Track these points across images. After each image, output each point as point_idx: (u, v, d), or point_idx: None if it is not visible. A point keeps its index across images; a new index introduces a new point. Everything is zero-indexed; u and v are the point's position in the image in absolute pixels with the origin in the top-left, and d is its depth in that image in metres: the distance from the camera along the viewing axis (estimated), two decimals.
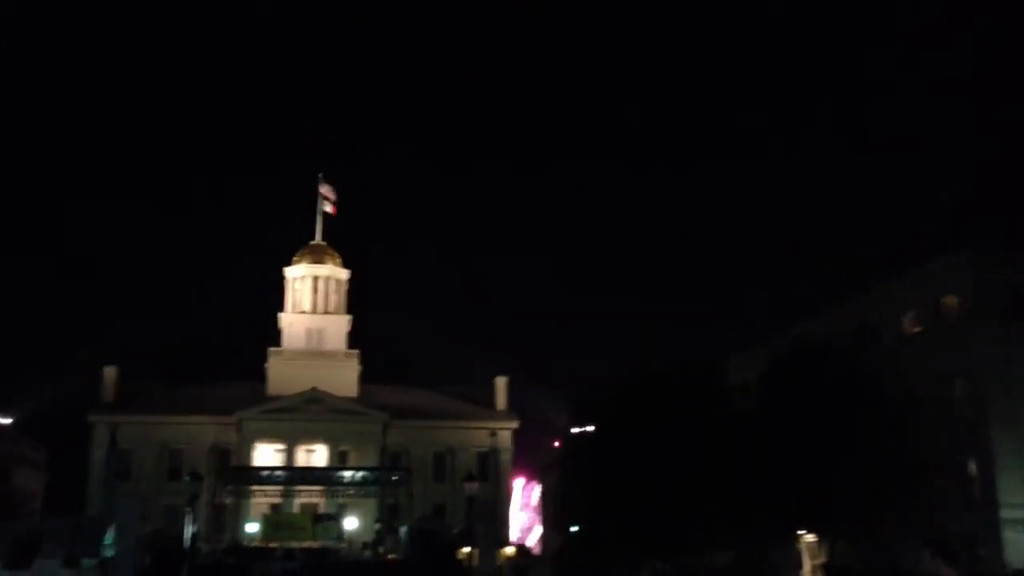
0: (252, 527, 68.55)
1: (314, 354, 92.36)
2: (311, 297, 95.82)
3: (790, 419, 45.40)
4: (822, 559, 53.95)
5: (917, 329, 55.12)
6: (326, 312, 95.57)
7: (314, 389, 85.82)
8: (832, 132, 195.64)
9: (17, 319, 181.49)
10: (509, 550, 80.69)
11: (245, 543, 61.61)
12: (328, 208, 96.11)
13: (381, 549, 58.52)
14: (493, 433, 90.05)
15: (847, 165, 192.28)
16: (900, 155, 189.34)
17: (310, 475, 67.65)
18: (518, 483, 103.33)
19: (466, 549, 50.12)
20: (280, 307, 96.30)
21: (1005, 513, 46.03)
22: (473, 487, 41.99)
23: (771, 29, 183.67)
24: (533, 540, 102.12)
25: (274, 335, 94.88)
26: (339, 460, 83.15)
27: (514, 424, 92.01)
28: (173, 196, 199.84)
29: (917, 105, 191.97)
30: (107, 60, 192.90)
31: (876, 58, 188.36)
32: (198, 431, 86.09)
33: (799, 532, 52.49)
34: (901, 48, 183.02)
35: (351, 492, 64.46)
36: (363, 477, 60.81)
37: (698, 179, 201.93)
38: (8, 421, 71.28)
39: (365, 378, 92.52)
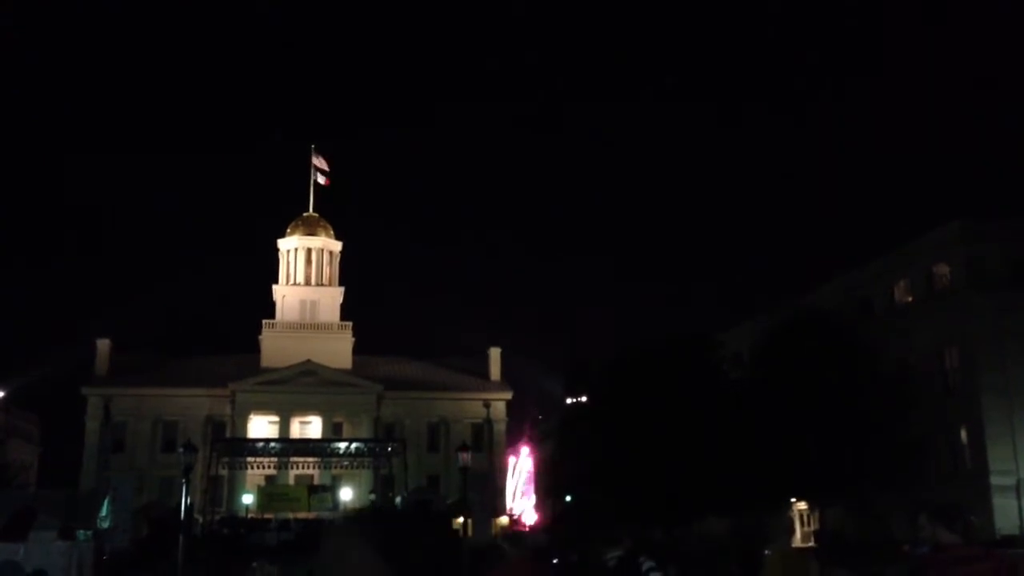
0: (247, 498, 68.91)
1: (308, 326, 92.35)
2: (304, 269, 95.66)
3: (782, 389, 45.61)
4: (814, 526, 54.44)
5: (909, 300, 55.37)
6: (319, 284, 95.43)
7: (308, 361, 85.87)
8: (826, 106, 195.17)
9: (11, 292, 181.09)
10: (503, 520, 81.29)
11: (241, 514, 61.91)
12: (321, 180, 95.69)
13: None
14: (487, 404, 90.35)
15: (841, 140, 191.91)
16: (895, 127, 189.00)
17: (304, 447, 67.83)
18: (512, 453, 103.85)
19: (460, 519, 50.42)
20: (274, 279, 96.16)
21: (995, 480, 46.55)
22: (467, 458, 42.08)
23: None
24: (527, 510, 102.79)
25: (268, 307, 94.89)
26: (333, 432, 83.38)
27: (508, 395, 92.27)
28: (166, 169, 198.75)
29: (911, 77, 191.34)
30: (97, 29, 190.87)
31: (872, 30, 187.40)
32: (192, 403, 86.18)
33: (791, 500, 52.90)
34: (900, 22, 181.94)
35: (345, 463, 64.70)
36: (357, 448, 61.01)
37: (694, 153, 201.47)
38: (2, 394, 71.32)
39: (359, 350, 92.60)
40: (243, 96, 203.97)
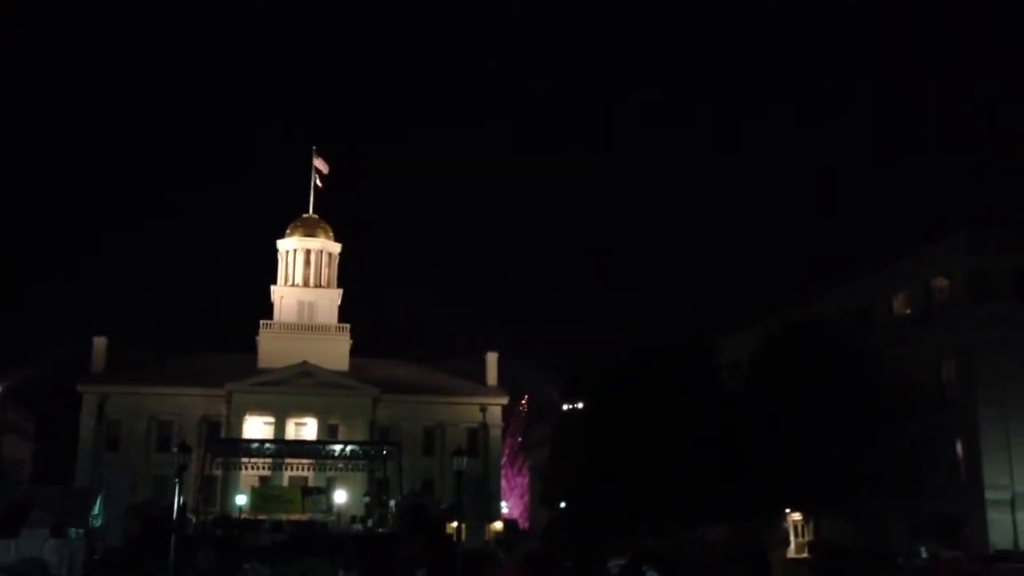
0: (241, 499, 68.54)
1: (305, 327, 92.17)
2: (303, 270, 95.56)
3: (779, 396, 45.52)
4: (808, 537, 54.36)
5: (908, 312, 55.37)
6: (318, 285, 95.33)
7: (305, 362, 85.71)
8: (825, 113, 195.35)
9: (8, 288, 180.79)
10: (497, 525, 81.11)
11: (234, 515, 61.67)
12: (318, 182, 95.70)
13: (370, 522, 58.66)
14: (483, 408, 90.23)
15: (839, 146, 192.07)
16: (897, 137, 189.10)
17: (299, 448, 67.53)
18: (507, 459, 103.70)
19: (455, 523, 50.26)
20: (272, 280, 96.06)
21: (990, 494, 46.46)
22: (462, 462, 41.92)
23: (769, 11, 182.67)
24: (521, 515, 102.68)
25: (266, 308, 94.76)
26: (329, 433, 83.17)
27: (504, 400, 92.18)
28: (166, 167, 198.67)
29: (911, 86, 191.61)
30: (97, 30, 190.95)
31: (872, 38, 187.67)
32: (188, 402, 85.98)
33: (786, 510, 52.79)
34: (900, 22, 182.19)
35: (340, 466, 64.40)
36: (352, 451, 60.75)
37: (692, 161, 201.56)
38: None
39: (356, 352, 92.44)
40: (245, 97, 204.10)
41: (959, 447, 48.96)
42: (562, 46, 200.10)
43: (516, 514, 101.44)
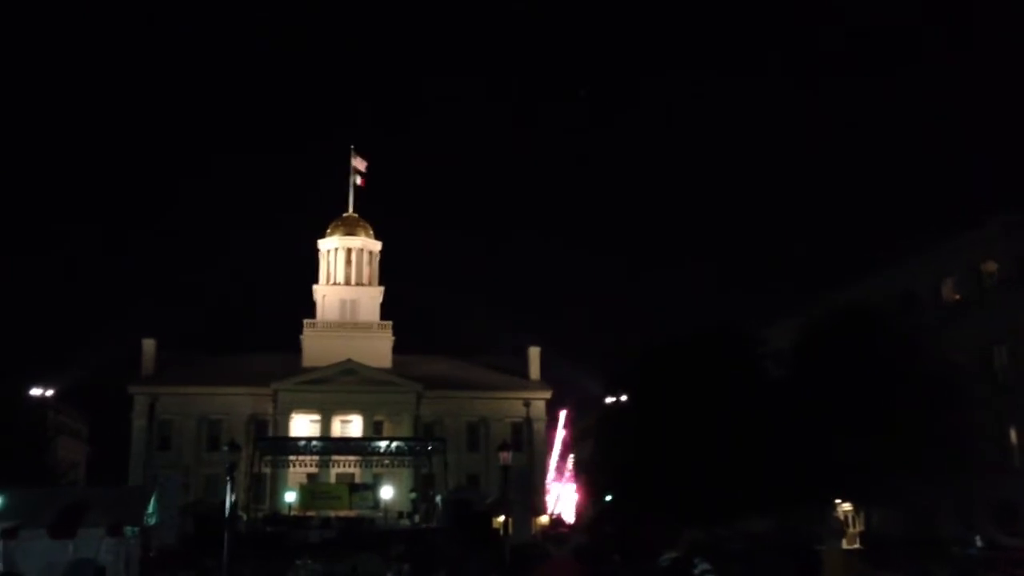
0: (290, 496, 69.53)
1: (348, 325, 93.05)
2: (344, 269, 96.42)
3: (825, 386, 44.90)
4: (859, 528, 53.69)
5: (957, 297, 54.42)
6: (359, 284, 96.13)
7: (348, 360, 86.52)
8: (873, 100, 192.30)
9: (61, 292, 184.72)
10: (543, 519, 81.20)
11: (283, 512, 62.55)
12: (358, 180, 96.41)
13: (416, 518, 59.09)
14: (527, 403, 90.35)
15: (889, 131, 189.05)
16: (942, 118, 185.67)
17: (345, 445, 68.35)
18: (552, 453, 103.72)
19: (501, 518, 50.45)
20: (314, 279, 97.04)
21: None
22: (507, 457, 42.08)
23: None
24: (567, 509, 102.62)
25: (308, 307, 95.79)
26: (374, 430, 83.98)
27: (547, 394, 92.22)
28: (208, 169, 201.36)
29: (959, 63, 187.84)
30: (143, 23, 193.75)
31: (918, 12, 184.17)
32: (236, 402, 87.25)
33: (836, 501, 52.12)
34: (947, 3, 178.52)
35: (386, 462, 65.10)
36: (398, 447, 61.32)
37: (734, 152, 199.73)
38: (50, 392, 72.53)
39: (398, 349, 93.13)
40: (285, 97, 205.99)
41: (1012, 434, 48.12)
42: (592, 30, 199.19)
43: (565, 508, 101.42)
